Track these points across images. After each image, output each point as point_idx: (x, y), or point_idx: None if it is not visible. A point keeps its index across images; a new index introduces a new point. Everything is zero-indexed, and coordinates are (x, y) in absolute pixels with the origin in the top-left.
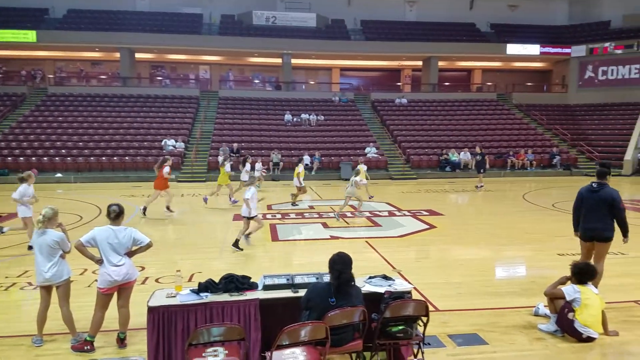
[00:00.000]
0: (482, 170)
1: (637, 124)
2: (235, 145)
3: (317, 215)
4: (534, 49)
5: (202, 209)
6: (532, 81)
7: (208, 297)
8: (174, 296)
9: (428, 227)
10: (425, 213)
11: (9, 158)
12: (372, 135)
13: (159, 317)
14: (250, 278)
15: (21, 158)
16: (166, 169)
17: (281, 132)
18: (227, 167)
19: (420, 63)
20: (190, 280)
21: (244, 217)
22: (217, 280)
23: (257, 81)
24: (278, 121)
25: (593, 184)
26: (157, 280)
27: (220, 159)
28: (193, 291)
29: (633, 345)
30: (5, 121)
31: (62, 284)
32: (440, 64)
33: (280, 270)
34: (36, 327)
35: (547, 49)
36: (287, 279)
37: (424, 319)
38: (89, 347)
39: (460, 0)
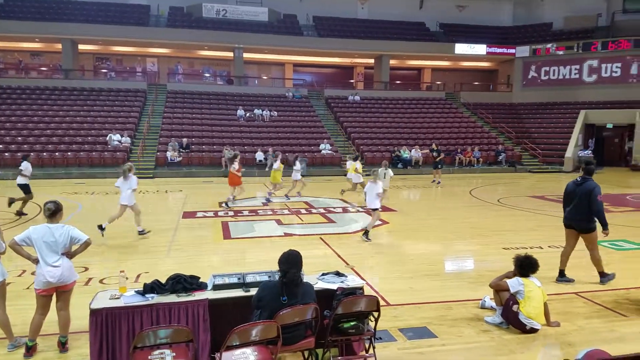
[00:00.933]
0: (439, 167)
1: (577, 123)
2: (184, 140)
3: (271, 212)
4: (480, 49)
5: (150, 207)
6: (479, 80)
7: (154, 299)
8: (118, 298)
9: (381, 222)
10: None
11: None
12: (326, 132)
13: (102, 319)
14: (199, 278)
15: None
16: (234, 165)
17: (233, 127)
18: (277, 164)
19: (372, 61)
20: (136, 281)
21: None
22: (164, 280)
23: (207, 75)
24: (230, 116)
25: (578, 178)
26: (101, 282)
27: (229, 154)
28: (138, 292)
29: (573, 336)
30: None
31: None
32: (392, 62)
33: (233, 269)
34: None
35: (493, 49)
36: (238, 278)
37: (375, 314)
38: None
39: (411, 0)
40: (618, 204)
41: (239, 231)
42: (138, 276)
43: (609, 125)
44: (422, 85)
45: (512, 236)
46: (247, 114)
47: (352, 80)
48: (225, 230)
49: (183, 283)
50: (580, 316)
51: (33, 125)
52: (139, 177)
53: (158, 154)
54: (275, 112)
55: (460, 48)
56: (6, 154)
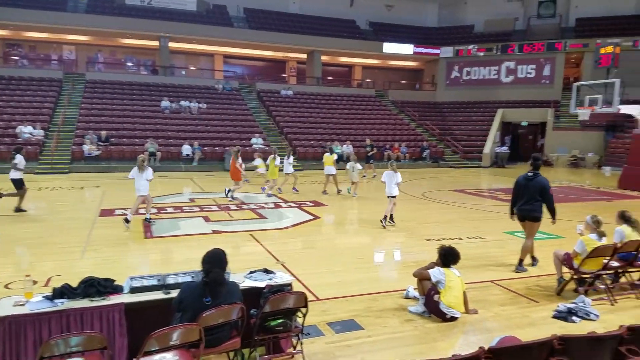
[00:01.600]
0: (371, 161)
1: (494, 121)
2: (104, 133)
3: (198, 209)
4: (407, 49)
5: (63, 205)
6: (406, 79)
7: (64, 304)
8: (23, 304)
9: (313, 217)
10: (310, 204)
11: None
12: (259, 126)
13: (5, 328)
14: (114, 281)
15: None
16: (239, 160)
17: (158, 119)
18: (278, 160)
19: (304, 56)
20: (47, 285)
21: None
22: (76, 284)
23: (130, 64)
24: (154, 108)
25: (529, 173)
26: (6, 286)
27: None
28: (47, 298)
29: (490, 322)
30: None
31: None
32: (324, 58)
33: (155, 270)
34: None
35: (419, 49)
36: (158, 280)
37: (304, 310)
38: None
39: None
40: None
41: (162, 229)
42: (49, 280)
43: (524, 123)
44: (353, 82)
45: (435, 228)
46: (173, 106)
47: (284, 75)
48: (147, 229)
49: (97, 286)
50: (496, 303)
51: None
52: (51, 173)
53: (74, 147)
54: (205, 105)
55: (389, 47)
56: None
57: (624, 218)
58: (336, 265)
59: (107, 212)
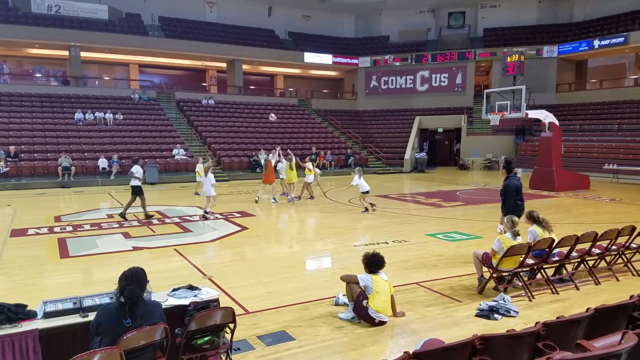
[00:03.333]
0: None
1: (413, 128)
2: (12, 148)
3: (117, 225)
4: (327, 59)
5: None
6: (328, 88)
7: None
8: None
9: (240, 228)
10: (237, 215)
11: None
12: (180, 137)
13: None
14: (26, 306)
15: None
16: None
17: (71, 132)
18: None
19: (225, 65)
20: None
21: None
22: None
23: (39, 75)
24: (67, 120)
25: (517, 175)
26: None
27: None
28: None
29: (417, 323)
30: None
31: None
32: (245, 67)
33: (73, 292)
34: None
35: (338, 59)
36: (74, 303)
37: (232, 325)
38: None
39: (259, 6)
40: (449, 199)
41: (79, 248)
42: None
43: (440, 130)
44: (276, 92)
45: (361, 233)
46: (87, 118)
47: (205, 84)
48: (62, 248)
49: (7, 313)
50: (422, 304)
51: None
52: None
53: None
54: (121, 116)
55: (309, 57)
56: None
57: (533, 218)
58: (266, 276)
59: (18, 232)
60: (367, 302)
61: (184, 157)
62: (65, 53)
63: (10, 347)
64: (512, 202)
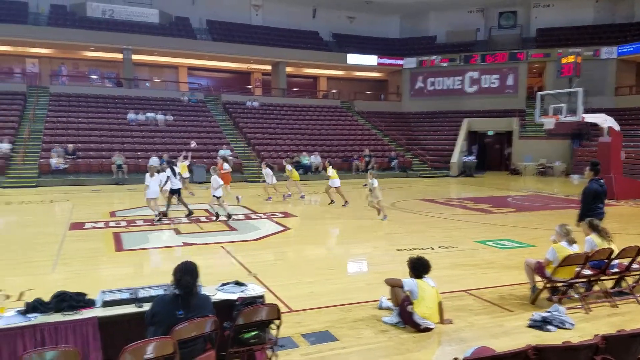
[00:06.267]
0: (368, 170)
1: (461, 130)
2: (70, 146)
3: (169, 221)
4: (371, 60)
5: (35, 219)
6: (371, 90)
7: (37, 319)
8: None
9: (283, 228)
10: (280, 215)
11: None
12: (226, 137)
13: None
14: (86, 295)
15: None
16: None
17: (124, 132)
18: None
19: (269, 67)
20: (19, 299)
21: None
22: (47, 299)
23: (94, 77)
24: (120, 120)
25: (600, 180)
26: None
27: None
28: (20, 312)
29: (465, 332)
30: None
31: None
32: (289, 69)
33: (126, 284)
34: None
35: (383, 60)
36: (130, 293)
37: (277, 322)
38: None
39: (304, 8)
40: (500, 205)
41: (132, 242)
42: (21, 294)
43: (490, 133)
44: (319, 94)
45: (405, 238)
46: (139, 118)
47: (249, 86)
48: (117, 242)
49: (69, 301)
50: (471, 313)
51: None
52: (19, 187)
53: (41, 161)
54: (171, 117)
55: (353, 58)
56: None
57: (593, 227)
58: (308, 276)
59: (77, 226)
60: (412, 308)
61: (231, 157)
62: (118, 56)
63: (72, 333)
64: (586, 207)
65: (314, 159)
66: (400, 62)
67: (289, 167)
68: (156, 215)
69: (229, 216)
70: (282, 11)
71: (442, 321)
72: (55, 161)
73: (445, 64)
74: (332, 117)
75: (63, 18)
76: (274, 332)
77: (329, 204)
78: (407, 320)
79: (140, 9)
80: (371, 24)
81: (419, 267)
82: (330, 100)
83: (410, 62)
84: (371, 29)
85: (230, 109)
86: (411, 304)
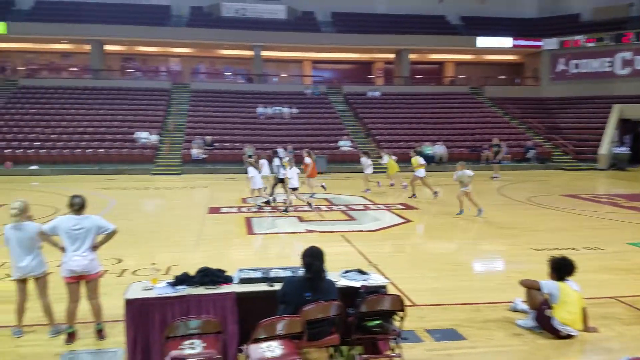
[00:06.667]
0: (499, 161)
1: (610, 118)
2: (208, 137)
3: (292, 209)
4: (505, 42)
5: (179, 203)
6: (504, 74)
7: (184, 290)
8: (151, 289)
9: (404, 221)
10: (400, 207)
11: None
12: (346, 129)
13: (136, 309)
14: (225, 271)
15: None
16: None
17: (255, 125)
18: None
19: (392, 56)
20: (167, 273)
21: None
22: (192, 273)
23: (228, 74)
24: (251, 114)
25: None
26: (134, 273)
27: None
28: (169, 284)
29: (612, 342)
30: None
31: (40, 276)
32: (412, 56)
33: (256, 264)
34: (15, 318)
35: (518, 42)
36: (263, 273)
37: (401, 313)
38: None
39: None
40: None
41: (261, 227)
42: (168, 268)
43: None
44: (445, 80)
45: (544, 236)
46: (268, 112)
47: (371, 76)
48: (248, 226)
49: (211, 276)
50: (620, 322)
51: (66, 124)
52: (166, 174)
53: (184, 151)
54: (296, 110)
55: (483, 41)
56: (41, 150)
57: None
58: (430, 271)
59: (214, 210)
60: (552, 312)
61: (349, 148)
62: (250, 53)
63: (213, 305)
64: None
65: (438, 149)
66: (538, 43)
67: (385, 158)
68: (264, 203)
69: (287, 210)
70: None
71: (586, 329)
72: (196, 151)
73: (591, 44)
74: (459, 104)
75: (200, 19)
76: (397, 323)
77: (410, 197)
78: (544, 325)
79: (269, 6)
80: (504, 3)
81: (562, 269)
82: (458, 87)
83: (550, 43)
84: (504, 9)
85: (351, 100)
86: (550, 308)
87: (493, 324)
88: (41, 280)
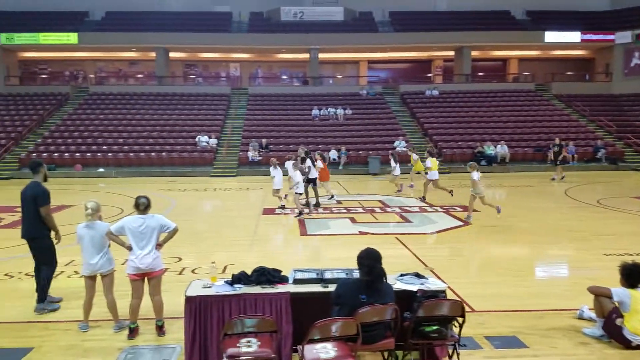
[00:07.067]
0: (558, 162)
1: None
2: (264, 140)
3: (345, 210)
4: (574, 37)
5: (235, 204)
6: (573, 70)
7: (241, 289)
8: (210, 287)
9: (462, 223)
10: (459, 209)
11: (55, 154)
12: (402, 129)
13: (196, 306)
14: (281, 271)
15: (66, 154)
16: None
17: (309, 126)
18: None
19: (452, 53)
20: (224, 271)
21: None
22: (249, 272)
23: (285, 77)
24: (306, 116)
25: None
26: (193, 271)
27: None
28: (227, 282)
29: None
30: (51, 119)
31: (108, 273)
32: (474, 53)
33: (309, 265)
34: (82, 313)
35: (588, 36)
36: (317, 274)
37: (460, 319)
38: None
39: None
40: None
41: (314, 228)
42: (225, 267)
43: None
44: (508, 77)
45: (615, 241)
46: (322, 113)
47: (429, 74)
48: (302, 227)
49: (267, 275)
50: None
51: (132, 128)
52: (223, 176)
53: (240, 153)
54: (350, 111)
55: (551, 36)
56: (109, 154)
57: None
58: (491, 276)
59: (268, 211)
60: (622, 321)
61: (404, 149)
62: (306, 56)
63: (268, 304)
64: None
65: (500, 149)
66: (610, 37)
67: (414, 156)
68: (281, 207)
69: (300, 213)
70: None
71: None
72: (252, 154)
73: None
74: (523, 102)
75: (260, 24)
76: (456, 329)
77: (420, 198)
78: (614, 334)
79: (326, 9)
80: None
81: (634, 275)
82: (522, 84)
83: (623, 37)
84: (573, 2)
85: (407, 99)
86: (621, 316)
87: (557, 331)
88: (108, 277)
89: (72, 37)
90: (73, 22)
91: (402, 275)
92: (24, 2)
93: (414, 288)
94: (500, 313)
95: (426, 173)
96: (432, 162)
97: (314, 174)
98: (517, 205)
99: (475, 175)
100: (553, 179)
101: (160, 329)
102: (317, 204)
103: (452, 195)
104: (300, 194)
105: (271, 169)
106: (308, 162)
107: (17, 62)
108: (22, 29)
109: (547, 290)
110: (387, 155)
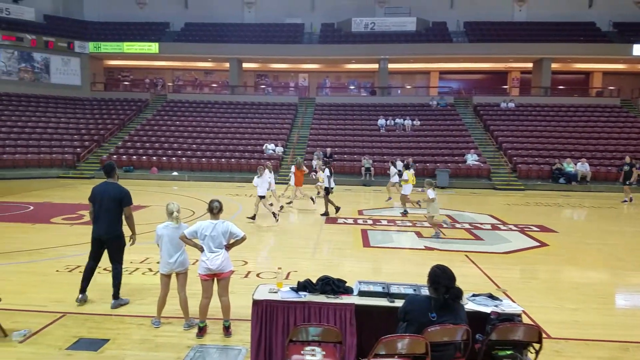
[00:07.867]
0: (627, 183)
1: None
2: (328, 150)
3: (410, 224)
4: None
5: (298, 211)
6: None
7: (306, 297)
8: (276, 292)
9: (538, 244)
10: (535, 229)
11: (134, 157)
12: (474, 142)
13: (262, 310)
14: (345, 282)
15: (144, 157)
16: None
17: (374, 137)
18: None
19: (530, 65)
20: (287, 277)
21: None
22: (312, 280)
23: (352, 87)
24: (372, 126)
25: None
26: (258, 275)
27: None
28: (292, 289)
29: None
30: (131, 124)
31: (183, 272)
32: (554, 66)
33: (372, 277)
34: (156, 310)
35: None
36: (383, 287)
37: (536, 345)
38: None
39: None
40: None
41: (378, 240)
42: (288, 274)
43: None
44: (591, 91)
45: None
46: (388, 124)
47: (505, 86)
48: (364, 238)
49: (332, 285)
50: None
51: (205, 135)
52: (286, 184)
53: (305, 162)
54: (418, 122)
55: (639, 49)
56: (183, 158)
57: None
58: (570, 301)
59: (331, 220)
60: None
61: (476, 163)
62: (375, 66)
63: (333, 314)
64: None
65: (581, 167)
66: None
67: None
68: (274, 214)
69: (254, 217)
70: (551, 3)
71: None
72: (315, 163)
73: None
74: (607, 118)
75: (331, 35)
76: (531, 355)
77: (402, 213)
78: None
79: (398, 19)
80: None
81: None
82: (606, 99)
83: None
84: None
85: (481, 111)
86: None
87: None
88: (182, 276)
89: (153, 47)
90: (155, 32)
91: (474, 295)
92: (111, 13)
93: (488, 310)
94: (579, 341)
95: (400, 185)
96: (409, 176)
97: (330, 183)
98: (599, 227)
99: (431, 193)
100: (625, 201)
101: (227, 330)
102: (337, 209)
103: (419, 206)
104: (263, 196)
105: (255, 177)
106: (327, 171)
107: (102, 70)
108: (108, 39)
109: (634, 321)
110: (456, 168)
